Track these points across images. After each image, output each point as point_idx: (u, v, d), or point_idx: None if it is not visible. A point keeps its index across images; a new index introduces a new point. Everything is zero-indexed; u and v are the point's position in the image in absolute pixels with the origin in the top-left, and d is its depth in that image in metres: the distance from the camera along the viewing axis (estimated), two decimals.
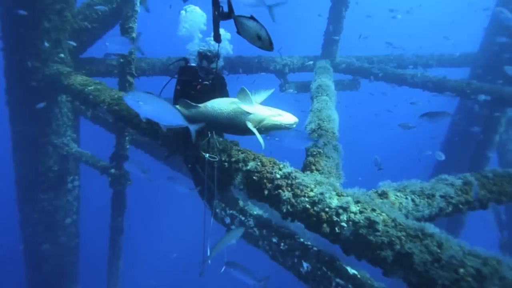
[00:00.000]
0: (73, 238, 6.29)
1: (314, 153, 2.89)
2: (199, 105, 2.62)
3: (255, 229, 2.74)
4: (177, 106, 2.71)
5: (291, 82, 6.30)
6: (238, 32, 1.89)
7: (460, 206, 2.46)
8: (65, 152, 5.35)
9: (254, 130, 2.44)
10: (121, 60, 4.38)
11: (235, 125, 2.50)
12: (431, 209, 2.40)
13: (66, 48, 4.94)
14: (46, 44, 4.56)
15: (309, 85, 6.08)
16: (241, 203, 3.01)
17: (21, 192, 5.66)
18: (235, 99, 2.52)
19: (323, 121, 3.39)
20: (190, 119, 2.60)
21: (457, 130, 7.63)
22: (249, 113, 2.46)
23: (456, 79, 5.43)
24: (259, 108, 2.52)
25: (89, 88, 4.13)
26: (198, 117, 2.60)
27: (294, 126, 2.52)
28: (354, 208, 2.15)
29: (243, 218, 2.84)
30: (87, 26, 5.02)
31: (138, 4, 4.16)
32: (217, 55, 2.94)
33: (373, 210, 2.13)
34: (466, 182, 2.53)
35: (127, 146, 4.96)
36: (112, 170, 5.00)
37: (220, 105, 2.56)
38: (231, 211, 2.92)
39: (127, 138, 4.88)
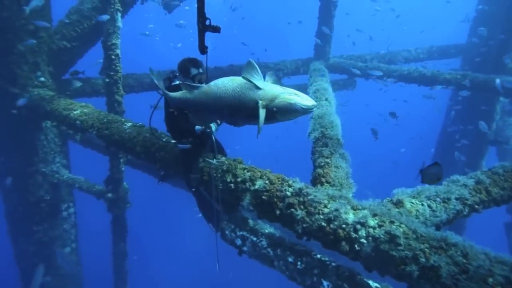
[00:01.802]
0: (74, 266, 6.03)
1: (322, 164, 2.80)
2: (202, 85, 2.31)
3: (269, 249, 2.62)
4: (179, 92, 2.39)
5: (286, 87, 6.16)
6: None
7: (476, 206, 2.42)
8: (56, 180, 5.08)
9: (262, 112, 1.96)
10: (107, 80, 4.16)
11: (242, 104, 2.05)
12: (448, 213, 2.35)
13: (46, 70, 4.66)
14: (42, 79, 4.23)
15: (305, 88, 5.97)
16: (250, 222, 2.89)
17: (13, 226, 5.36)
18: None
19: (326, 129, 3.30)
20: (194, 103, 2.29)
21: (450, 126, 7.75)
22: (258, 88, 2.05)
23: (450, 71, 5.45)
24: (270, 84, 2.14)
25: (75, 112, 3.91)
26: (202, 99, 2.24)
27: (313, 110, 2.07)
28: (372, 222, 2.07)
29: (255, 239, 2.72)
30: (66, 45, 4.74)
31: (120, 19, 3.93)
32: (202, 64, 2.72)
33: (392, 222, 2.06)
34: (478, 181, 2.50)
35: (123, 168, 4.75)
36: (109, 195, 4.77)
37: (224, 81, 2.19)
38: (241, 232, 2.79)
39: (121, 160, 4.66)
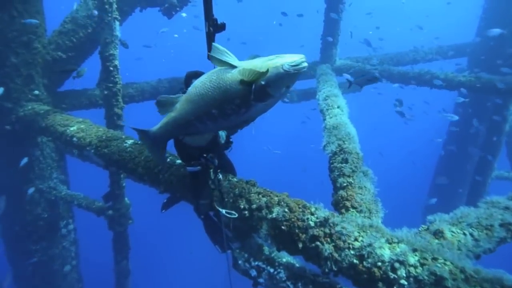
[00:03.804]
0: (75, 284, 5.77)
1: (344, 184, 2.53)
2: (180, 94, 2.00)
3: (289, 282, 2.36)
4: (163, 120, 2.06)
5: (292, 91, 5.95)
6: None
7: None
8: (54, 197, 4.82)
9: (247, 88, 1.64)
10: (106, 92, 3.89)
11: (225, 92, 1.73)
12: (492, 242, 2.08)
13: (40, 83, 4.39)
14: (36, 92, 3.95)
15: (311, 92, 5.66)
16: (266, 250, 2.63)
17: (10, 245, 5.10)
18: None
19: (344, 141, 3.03)
20: (181, 118, 1.94)
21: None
22: (234, 67, 1.77)
23: (464, 73, 5.20)
24: (246, 61, 1.83)
25: (71, 129, 3.64)
26: (187, 108, 1.90)
27: (305, 66, 1.71)
28: (412, 259, 1.80)
29: (272, 270, 2.45)
30: (62, 56, 4.48)
31: (118, 28, 3.67)
32: None
33: (435, 259, 1.79)
34: None
35: (124, 184, 4.49)
36: (110, 212, 4.51)
37: (200, 78, 1.89)
38: (256, 263, 2.53)
39: (122, 175, 4.40)
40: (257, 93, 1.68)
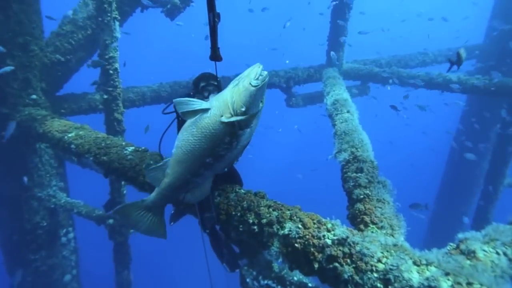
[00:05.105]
0: None
1: (361, 197, 2.34)
2: (164, 160, 1.94)
3: None
4: (154, 193, 2.00)
5: (297, 95, 5.77)
6: None
7: None
8: (53, 205, 4.66)
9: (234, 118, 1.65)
10: (105, 97, 3.73)
11: (211, 137, 1.72)
12: None
13: (38, 87, 4.24)
14: (34, 97, 3.79)
15: (318, 96, 5.49)
16: (275, 267, 2.44)
17: (8, 255, 4.94)
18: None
19: (357, 149, 2.84)
20: (177, 180, 1.88)
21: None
22: (207, 109, 1.75)
23: (478, 76, 4.99)
24: (214, 98, 1.83)
25: (69, 135, 3.48)
26: (179, 170, 1.85)
27: (267, 74, 1.73)
28: (444, 284, 1.60)
29: None
30: (60, 59, 4.32)
31: (118, 29, 3.51)
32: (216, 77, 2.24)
33: (470, 284, 1.60)
34: None
35: (124, 191, 4.32)
36: (110, 221, 4.34)
37: (180, 137, 1.85)
38: (266, 281, 2.34)
39: (123, 182, 4.23)
40: (242, 121, 1.69)
